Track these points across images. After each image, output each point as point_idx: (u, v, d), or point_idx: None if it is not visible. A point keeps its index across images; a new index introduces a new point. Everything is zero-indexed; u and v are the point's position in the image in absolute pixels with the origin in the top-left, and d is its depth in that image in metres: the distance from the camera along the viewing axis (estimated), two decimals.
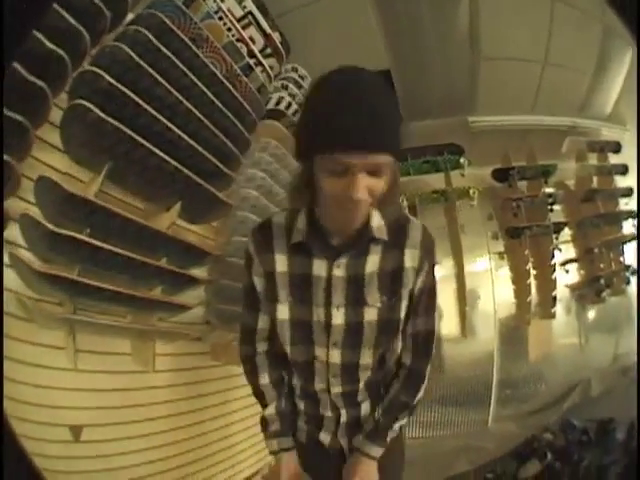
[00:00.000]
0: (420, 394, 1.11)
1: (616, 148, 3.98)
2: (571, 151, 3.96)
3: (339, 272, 0.96)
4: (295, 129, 0.89)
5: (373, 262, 0.98)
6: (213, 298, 1.93)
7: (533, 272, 3.82)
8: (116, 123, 1.29)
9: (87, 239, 1.25)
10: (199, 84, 1.60)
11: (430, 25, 2.85)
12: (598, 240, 3.92)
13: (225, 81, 1.72)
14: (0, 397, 0.89)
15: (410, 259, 0.98)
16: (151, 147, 1.42)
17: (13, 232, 1.20)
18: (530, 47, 3.20)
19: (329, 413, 1.12)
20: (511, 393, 3.55)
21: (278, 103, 2.11)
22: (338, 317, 0.99)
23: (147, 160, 1.44)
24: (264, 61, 1.96)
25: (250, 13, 1.88)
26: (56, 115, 1.29)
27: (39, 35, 1.12)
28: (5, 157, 1.05)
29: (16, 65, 1.06)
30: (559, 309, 3.83)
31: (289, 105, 2.14)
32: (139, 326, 1.53)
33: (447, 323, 3.45)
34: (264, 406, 1.13)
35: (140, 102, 1.37)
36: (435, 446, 3.21)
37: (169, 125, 1.48)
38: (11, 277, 1.21)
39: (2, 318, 1.12)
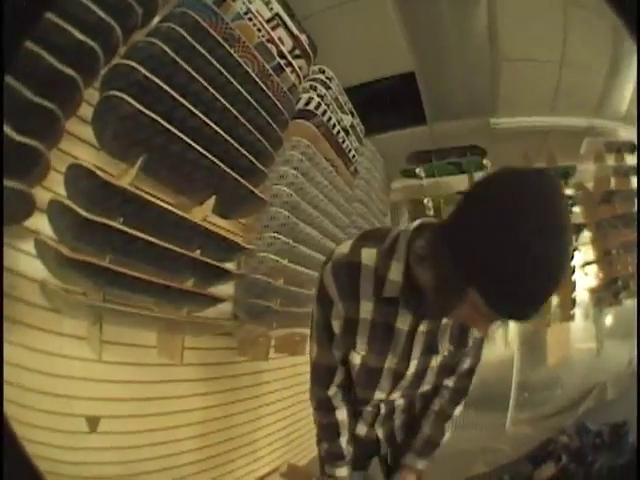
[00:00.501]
0: (461, 408, 1.15)
1: (632, 148, 3.79)
2: (589, 152, 3.86)
3: (423, 327, 0.92)
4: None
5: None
6: (243, 293, 1.89)
7: None
8: (153, 115, 1.25)
9: (121, 227, 1.20)
10: (234, 82, 1.56)
11: (451, 27, 2.78)
12: (616, 241, 3.79)
13: (258, 80, 1.69)
14: (0, 397, 0.86)
15: None
16: (189, 141, 1.37)
17: (37, 221, 1.15)
18: (547, 48, 3.11)
19: (369, 407, 1.13)
20: (529, 396, 3.49)
21: (308, 103, 2.07)
22: (412, 367, 0.98)
23: (183, 154, 1.40)
24: (294, 62, 1.92)
25: (277, 15, 1.84)
26: (85, 111, 1.26)
27: (68, 27, 1.08)
28: (34, 143, 1.02)
29: (43, 53, 1.03)
30: (577, 313, 3.74)
31: (318, 105, 2.10)
32: (168, 316, 1.47)
33: None
34: (331, 439, 1.10)
35: (176, 96, 1.35)
36: (454, 447, 3.11)
37: (206, 120, 1.45)
38: (34, 266, 1.16)
39: (2, 319, 1.07)
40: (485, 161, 3.50)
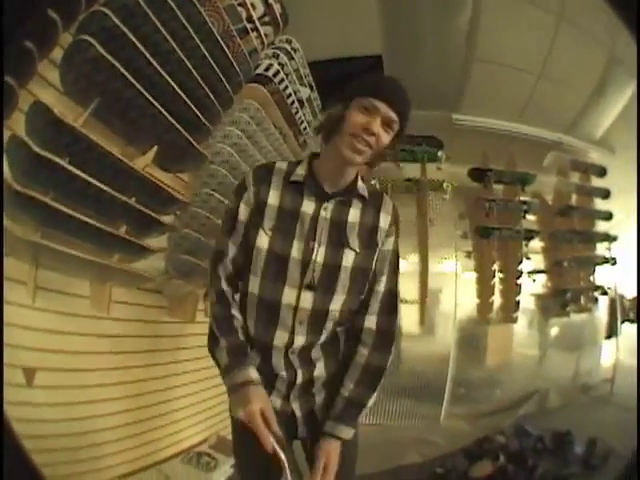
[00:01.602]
0: (391, 356, 1.23)
1: (601, 172, 4.30)
2: (553, 165, 4.27)
3: (325, 214, 1.18)
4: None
5: (355, 214, 1.21)
6: (175, 247, 2.10)
7: (499, 275, 4.14)
8: (112, 60, 1.48)
9: (63, 163, 1.41)
10: (195, 37, 1.79)
11: (430, 17, 3.08)
12: (569, 255, 4.27)
13: (220, 39, 1.92)
14: (0, 397, 0.98)
15: (383, 221, 1.23)
16: (139, 87, 1.60)
17: None
18: (527, 58, 3.46)
19: (283, 372, 1.19)
20: (465, 392, 3.84)
21: (267, 69, 2.31)
22: (318, 255, 1.16)
23: (133, 100, 1.63)
24: (261, 28, 2.16)
25: None
26: (57, 54, 1.45)
27: None
28: (9, 79, 1.21)
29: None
30: (522, 318, 4.16)
31: (277, 73, 2.34)
32: (99, 260, 1.65)
33: (407, 317, 3.69)
34: (229, 332, 1.16)
35: (137, 44, 1.56)
36: (388, 435, 3.45)
37: (159, 69, 1.67)
38: None
39: (2, 318, 1.22)
40: (440, 153, 3.83)
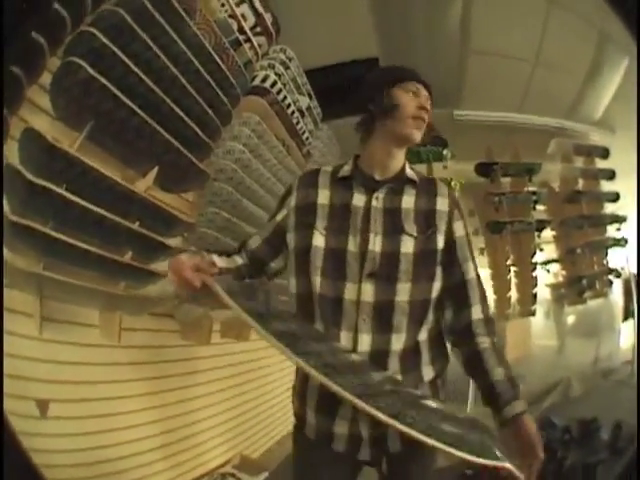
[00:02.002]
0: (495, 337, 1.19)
1: (604, 153, 4.26)
2: (557, 152, 4.23)
3: (377, 203, 1.16)
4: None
5: (408, 200, 1.18)
6: None
7: (514, 269, 4.09)
8: (103, 80, 1.43)
9: (60, 191, 1.37)
10: (187, 52, 1.75)
11: (422, 15, 3.03)
12: (581, 241, 4.23)
13: (213, 52, 1.88)
14: (0, 398, 0.96)
15: (441, 204, 1.20)
16: (133, 106, 1.55)
17: None
18: (522, 45, 3.40)
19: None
20: None
21: (264, 80, 2.27)
22: (375, 244, 1.13)
23: (128, 121, 1.58)
24: (253, 39, 2.12)
25: None
26: (46, 79, 1.42)
27: None
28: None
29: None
30: (539, 310, 4.12)
31: (274, 83, 2.30)
32: (105, 289, 1.62)
33: None
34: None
35: (128, 62, 1.52)
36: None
37: (153, 87, 1.62)
38: None
39: (2, 318, 1.20)
40: (445, 152, 3.73)
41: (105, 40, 1.43)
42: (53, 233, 1.37)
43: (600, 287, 4.30)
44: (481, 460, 0.90)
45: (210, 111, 1.93)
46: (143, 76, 1.59)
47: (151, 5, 1.58)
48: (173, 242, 1.92)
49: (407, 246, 1.13)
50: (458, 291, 1.19)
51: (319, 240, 1.15)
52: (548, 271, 4.26)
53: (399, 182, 1.20)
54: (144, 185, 1.78)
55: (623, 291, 4.33)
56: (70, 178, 1.40)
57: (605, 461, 2.87)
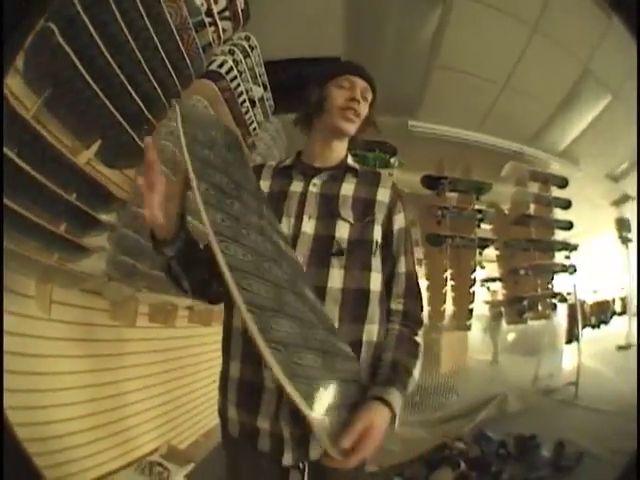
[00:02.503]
0: (420, 339, 1.35)
1: (562, 183, 4.98)
2: (512, 175, 4.88)
3: (314, 189, 1.37)
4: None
5: (348, 188, 1.40)
6: (115, 248, 2.29)
7: (451, 283, 4.67)
8: (67, 48, 1.72)
9: (11, 154, 1.63)
10: (150, 29, 2.06)
11: (394, 20, 3.47)
12: (525, 263, 4.90)
13: (175, 31, 2.20)
14: (0, 398, 1.06)
15: (382, 195, 1.41)
16: (88, 78, 1.83)
17: None
18: (493, 67, 3.94)
19: (271, 384, 1.20)
20: (420, 399, 4.35)
21: (220, 66, 2.60)
22: (308, 226, 1.30)
23: (82, 92, 1.86)
24: (220, 22, 2.45)
25: None
26: None
27: None
28: None
29: None
30: (476, 325, 4.75)
31: (230, 70, 2.63)
32: (40, 258, 1.83)
33: None
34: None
35: (93, 33, 1.81)
36: None
37: (110, 60, 1.91)
38: None
39: (2, 318, 1.40)
40: (393, 159, 4.24)
41: (79, 8, 1.72)
42: None
43: (543, 309, 4.97)
44: (303, 408, 1.01)
45: (159, 89, 2.24)
46: (103, 48, 1.88)
47: None
48: (106, 218, 2.21)
49: (342, 231, 1.30)
50: (388, 282, 1.37)
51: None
52: (488, 289, 4.97)
53: (339, 170, 1.43)
54: (86, 157, 2.06)
55: (568, 315, 5.03)
56: (23, 142, 1.67)
57: (548, 477, 3.37)
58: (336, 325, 1.23)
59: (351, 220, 1.32)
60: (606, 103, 4.24)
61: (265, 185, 1.42)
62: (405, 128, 4.17)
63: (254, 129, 3.08)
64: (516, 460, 3.63)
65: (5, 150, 1.59)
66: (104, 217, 2.16)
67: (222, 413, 1.34)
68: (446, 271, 4.69)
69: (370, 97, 1.46)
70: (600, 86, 4.14)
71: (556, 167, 4.94)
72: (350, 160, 1.48)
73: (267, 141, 3.34)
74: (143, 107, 2.19)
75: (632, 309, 5.01)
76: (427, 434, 4.04)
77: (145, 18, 2.03)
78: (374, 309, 1.30)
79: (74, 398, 2.15)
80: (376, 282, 1.32)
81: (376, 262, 1.33)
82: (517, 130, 4.56)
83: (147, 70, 2.13)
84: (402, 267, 1.39)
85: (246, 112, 2.91)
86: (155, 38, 2.11)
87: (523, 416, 4.40)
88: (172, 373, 2.95)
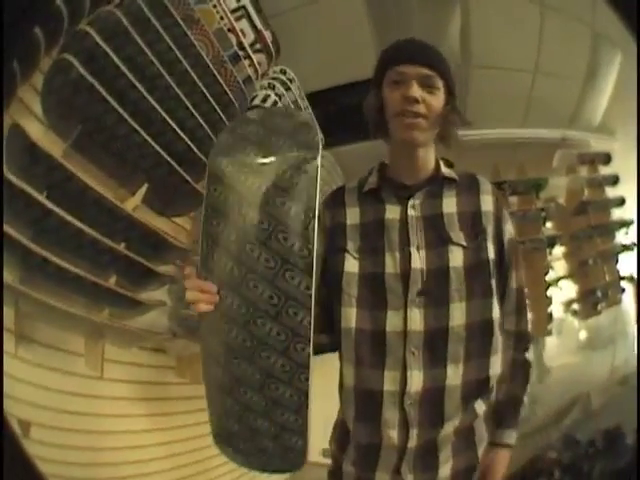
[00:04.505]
0: (531, 355, 1.13)
1: (606, 159, 4.31)
2: (562, 164, 4.22)
3: (415, 212, 1.00)
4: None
5: (449, 203, 1.02)
6: (177, 302, 1.90)
7: (526, 291, 4.06)
8: (92, 79, 1.39)
9: (38, 196, 1.29)
10: (183, 61, 1.73)
11: (422, 35, 3.09)
12: (592, 252, 4.23)
13: (210, 64, 1.86)
14: (0, 397, 0.94)
15: (485, 204, 1.04)
16: (123, 113, 1.50)
17: None
18: (521, 55, 3.40)
19: (394, 432, 0.95)
20: None
21: (264, 101, 2.24)
22: (417, 260, 0.97)
23: (117, 128, 1.53)
24: (253, 55, 2.11)
25: (244, 7, 2.04)
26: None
27: None
28: None
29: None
30: (553, 328, 4.06)
31: (275, 104, 2.27)
32: (87, 315, 1.50)
33: None
34: None
35: (119, 64, 1.49)
36: None
37: (145, 94, 1.58)
38: None
39: (2, 318, 1.16)
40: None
41: (99, 40, 1.41)
42: (27, 242, 1.27)
43: (613, 295, 4.27)
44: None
45: (206, 126, 1.89)
46: (135, 81, 1.56)
47: (148, 9, 1.57)
48: (164, 270, 1.81)
49: (456, 259, 0.97)
50: (500, 301, 1.03)
51: (352, 265, 1.00)
52: (561, 289, 4.22)
53: (436, 183, 1.04)
54: (132, 204, 1.70)
55: (635, 295, 4.23)
56: (51, 184, 1.33)
57: (631, 463, 2.78)
58: (461, 365, 0.96)
59: (464, 243, 0.99)
60: (619, 63, 3.63)
61: (353, 214, 1.05)
62: (456, 139, 3.70)
63: None
64: (604, 454, 3.21)
65: (30, 192, 1.25)
66: (161, 268, 1.77)
67: (336, 462, 1.07)
68: None
69: (441, 84, 0.99)
70: (610, 46, 3.57)
71: (596, 144, 4.27)
72: (444, 168, 1.08)
73: (324, 176, 2.94)
74: (192, 145, 1.84)
75: None
76: (518, 449, 3.45)
77: (176, 50, 1.71)
78: (497, 338, 1.01)
79: (141, 456, 1.76)
80: (497, 308, 1.01)
81: (493, 285, 1.01)
82: (556, 116, 3.92)
83: (189, 105, 1.80)
84: (513, 283, 1.07)
85: None
86: (191, 71, 1.78)
87: (605, 410, 3.79)
88: None
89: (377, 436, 0.96)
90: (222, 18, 1.94)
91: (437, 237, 0.99)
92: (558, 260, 4.27)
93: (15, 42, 1.15)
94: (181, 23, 1.71)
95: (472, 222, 1.01)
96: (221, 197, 0.88)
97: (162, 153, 1.69)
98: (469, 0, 3.03)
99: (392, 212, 1.02)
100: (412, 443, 0.93)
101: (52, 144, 1.40)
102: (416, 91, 0.95)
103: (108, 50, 1.44)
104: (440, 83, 0.99)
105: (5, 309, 1.31)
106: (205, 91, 1.84)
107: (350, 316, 0.98)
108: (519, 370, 1.08)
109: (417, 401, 0.93)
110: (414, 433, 0.93)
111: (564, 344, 4.38)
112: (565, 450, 3.33)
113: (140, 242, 1.69)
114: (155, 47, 1.62)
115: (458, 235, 0.99)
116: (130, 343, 1.73)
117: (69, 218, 1.34)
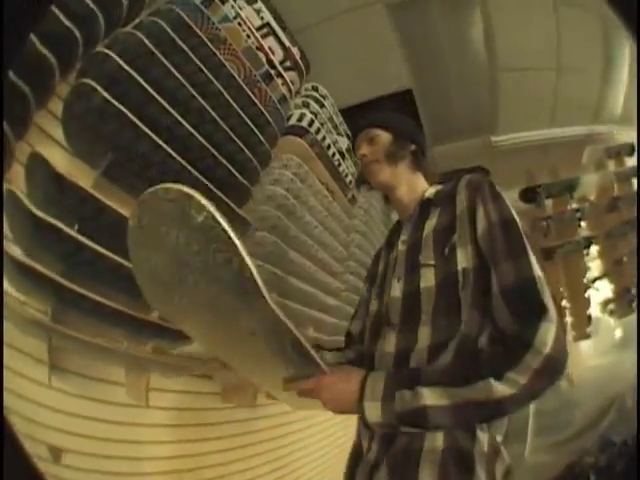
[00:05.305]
0: (519, 367, 0.69)
1: (630, 151, 3.88)
2: (591, 161, 3.84)
3: (403, 247, 0.95)
4: None
5: (430, 224, 0.91)
6: None
7: (565, 293, 3.65)
8: (119, 105, 1.14)
9: (70, 231, 1.03)
10: (215, 83, 1.46)
11: (447, 41, 2.73)
12: (626, 249, 3.74)
13: (244, 85, 1.59)
14: (0, 397, 0.83)
15: (460, 204, 0.88)
16: (156, 138, 1.23)
17: None
18: (543, 53, 3.04)
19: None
20: (549, 421, 3.38)
21: (300, 119, 1.97)
22: (396, 289, 0.91)
23: (151, 155, 1.25)
24: (284, 73, 1.84)
25: (268, 24, 1.76)
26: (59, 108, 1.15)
27: (56, 12, 1.03)
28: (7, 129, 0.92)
29: (32, 37, 0.96)
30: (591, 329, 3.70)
31: (311, 122, 1.99)
32: (129, 350, 1.24)
33: None
34: None
35: (148, 88, 1.23)
36: None
37: (179, 119, 1.32)
38: None
39: (2, 319, 0.97)
40: None
41: (121, 62, 1.16)
42: (60, 279, 1.01)
43: None
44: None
45: (246, 150, 1.62)
46: (167, 105, 1.29)
47: (171, 30, 1.32)
48: None
49: (427, 279, 0.85)
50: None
51: (373, 305, 1.00)
52: (597, 289, 3.84)
53: (424, 209, 0.97)
54: None
55: None
56: (83, 217, 1.07)
57: None
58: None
59: (432, 262, 0.86)
60: (629, 48, 3.15)
61: (382, 263, 1.06)
62: (489, 146, 3.36)
63: (350, 182, 2.39)
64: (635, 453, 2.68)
65: (60, 225, 1.00)
66: None
67: None
68: (562, 283, 3.66)
69: (376, 136, 1.04)
70: (620, 31, 3.09)
71: (620, 136, 3.81)
72: (430, 189, 1.01)
73: (364, 192, 2.64)
74: (233, 170, 1.56)
75: None
76: (554, 457, 3.17)
77: (206, 72, 1.45)
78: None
79: None
80: (468, 324, 0.79)
81: (466, 298, 0.80)
82: (581, 111, 3.54)
83: (226, 128, 1.52)
84: (495, 285, 0.77)
85: (338, 165, 2.24)
86: (225, 93, 1.52)
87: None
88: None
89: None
90: (248, 36, 1.67)
91: (412, 264, 0.90)
92: (593, 260, 3.85)
93: (23, 60, 0.93)
94: (207, 43, 1.45)
95: (444, 235, 0.87)
96: None
97: (202, 179, 1.41)
98: (488, 3, 2.65)
99: (393, 253, 0.99)
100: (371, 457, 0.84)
101: (80, 173, 1.14)
102: (360, 150, 1.05)
103: (133, 73, 1.19)
104: (376, 133, 1.04)
105: (36, 341, 1.11)
106: (241, 113, 1.57)
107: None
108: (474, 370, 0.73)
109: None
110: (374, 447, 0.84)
111: (600, 344, 3.94)
112: (601, 452, 2.95)
113: None
114: (183, 69, 1.34)
115: (428, 255, 0.87)
116: (176, 374, 1.45)
117: (104, 252, 1.08)
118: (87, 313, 1.08)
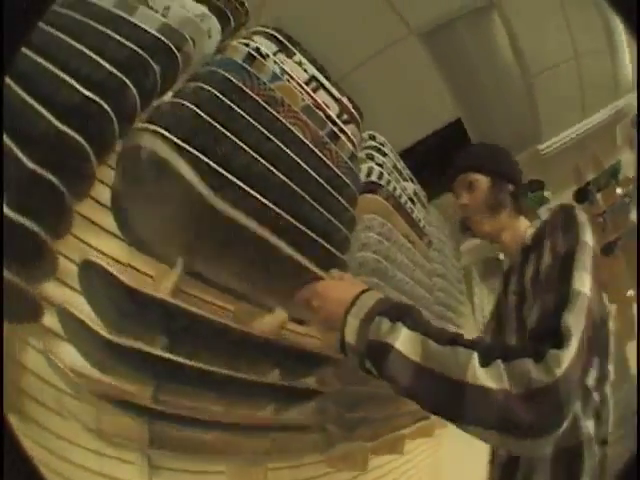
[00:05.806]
0: (514, 368, 0.56)
1: None
2: (625, 140, 3.51)
3: (512, 297, 0.90)
4: None
5: (529, 272, 0.84)
6: (332, 406, 1.36)
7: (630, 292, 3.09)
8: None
9: (161, 353, 0.73)
10: (285, 149, 1.15)
11: (478, 59, 2.54)
12: None
13: (314, 148, 1.27)
14: (0, 397, 0.69)
15: (545, 247, 0.78)
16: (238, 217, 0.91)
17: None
18: (562, 46, 2.85)
19: None
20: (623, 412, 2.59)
21: (369, 174, 1.64)
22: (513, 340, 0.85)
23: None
24: (345, 128, 1.52)
25: (314, 77, 1.48)
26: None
27: (70, 81, 0.74)
28: (35, 228, 0.67)
29: (41, 110, 0.68)
30: None
31: (380, 175, 1.66)
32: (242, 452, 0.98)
33: None
34: None
35: (225, 173, 0.91)
36: None
37: (255, 195, 1.00)
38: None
39: (2, 319, 0.75)
40: (546, 193, 3.24)
41: (177, 140, 0.84)
42: (154, 406, 0.76)
43: None
44: None
45: (333, 219, 1.26)
46: (243, 185, 0.96)
47: (222, 95, 1.01)
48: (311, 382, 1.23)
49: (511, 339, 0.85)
50: None
51: None
52: None
53: (522, 257, 0.90)
54: (273, 323, 1.09)
55: None
56: (172, 329, 0.76)
57: None
58: None
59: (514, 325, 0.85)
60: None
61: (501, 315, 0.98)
62: (537, 155, 3.15)
63: (424, 226, 2.02)
64: None
65: (147, 350, 0.70)
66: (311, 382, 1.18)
67: None
68: (623, 276, 3.12)
69: (475, 179, 1.00)
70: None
71: (634, 102, 3.42)
72: (527, 235, 0.93)
73: (436, 233, 2.27)
74: (325, 244, 1.20)
75: None
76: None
77: (274, 139, 1.12)
78: None
79: None
80: None
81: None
82: (605, 90, 3.30)
83: (308, 198, 1.18)
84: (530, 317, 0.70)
85: (412, 212, 1.88)
86: (298, 159, 1.18)
87: None
88: None
89: None
90: (301, 93, 1.38)
91: (521, 317, 0.84)
92: None
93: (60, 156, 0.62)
94: (266, 107, 1.14)
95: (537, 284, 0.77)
96: None
97: (297, 257, 1.05)
98: (504, 8, 2.39)
99: (508, 301, 0.93)
100: None
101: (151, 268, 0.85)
102: (459, 201, 1.03)
103: (194, 152, 0.87)
104: (474, 178, 1.00)
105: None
106: (319, 179, 1.23)
107: None
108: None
109: None
110: None
111: None
112: None
113: (289, 364, 1.10)
114: (247, 139, 1.04)
115: (530, 306, 0.76)
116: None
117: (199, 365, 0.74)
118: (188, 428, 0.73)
